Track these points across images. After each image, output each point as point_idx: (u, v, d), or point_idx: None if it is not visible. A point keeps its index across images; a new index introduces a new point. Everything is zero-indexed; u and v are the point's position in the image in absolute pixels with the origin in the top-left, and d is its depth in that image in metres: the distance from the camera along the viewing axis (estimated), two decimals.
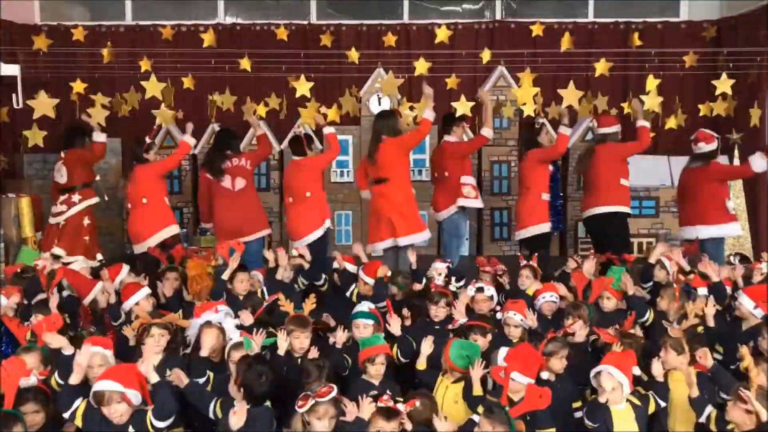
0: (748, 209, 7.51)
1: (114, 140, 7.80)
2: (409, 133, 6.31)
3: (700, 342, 3.94)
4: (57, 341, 3.62)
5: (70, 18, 8.46)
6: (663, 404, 3.66)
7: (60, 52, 7.50)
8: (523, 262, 5.45)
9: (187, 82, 7.01)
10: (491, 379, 3.79)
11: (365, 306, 4.44)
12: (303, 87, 6.63)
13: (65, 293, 5.05)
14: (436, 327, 4.47)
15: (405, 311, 4.59)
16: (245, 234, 6.16)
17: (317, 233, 6.22)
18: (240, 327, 4.17)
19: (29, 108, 6.42)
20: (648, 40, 7.85)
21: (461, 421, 3.63)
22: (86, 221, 6.74)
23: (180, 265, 5.62)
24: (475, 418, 3.38)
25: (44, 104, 6.22)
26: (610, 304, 4.83)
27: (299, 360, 3.97)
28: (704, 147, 6.39)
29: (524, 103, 6.30)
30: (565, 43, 7.15)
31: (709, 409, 3.48)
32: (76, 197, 6.69)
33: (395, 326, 4.22)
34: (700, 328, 4.29)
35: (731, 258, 5.90)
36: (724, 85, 6.49)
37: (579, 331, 4.26)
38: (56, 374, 3.67)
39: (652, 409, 3.61)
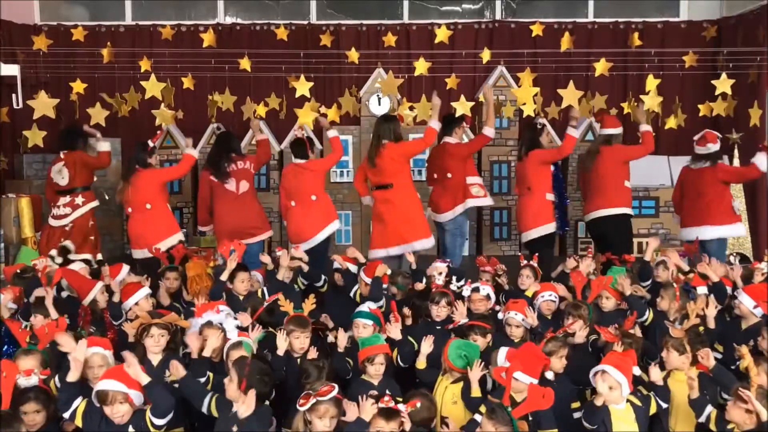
0: (748, 209, 7.51)
1: (114, 140, 7.82)
2: (413, 141, 6.31)
3: (702, 342, 3.94)
4: (69, 346, 3.48)
5: (70, 18, 8.46)
6: (665, 406, 3.66)
7: (60, 52, 7.51)
8: (524, 262, 5.46)
9: (187, 82, 7.02)
10: (491, 380, 3.79)
11: (366, 306, 4.45)
12: (303, 87, 6.63)
13: (65, 293, 5.05)
14: (438, 327, 4.46)
15: (406, 310, 4.60)
16: (247, 237, 6.15)
17: (322, 235, 6.17)
18: (240, 327, 4.17)
19: (29, 108, 6.42)
20: (648, 40, 7.86)
21: (460, 422, 3.63)
22: (90, 222, 6.76)
23: (180, 264, 5.62)
24: (478, 418, 3.38)
25: (44, 104, 6.22)
26: (609, 303, 4.83)
27: (299, 360, 3.97)
28: (713, 147, 6.37)
29: (524, 103, 6.30)
30: (565, 43, 7.16)
31: (709, 409, 3.48)
32: (79, 199, 6.68)
33: (395, 331, 4.21)
34: (700, 328, 4.29)
35: (731, 258, 5.89)
36: (723, 85, 6.49)
37: (579, 331, 4.26)
38: (56, 378, 3.66)
39: (653, 410, 3.61)
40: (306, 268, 5.36)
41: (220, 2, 8.54)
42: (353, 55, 7.08)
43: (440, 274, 5.21)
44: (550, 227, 6.36)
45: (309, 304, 4.31)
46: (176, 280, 5.36)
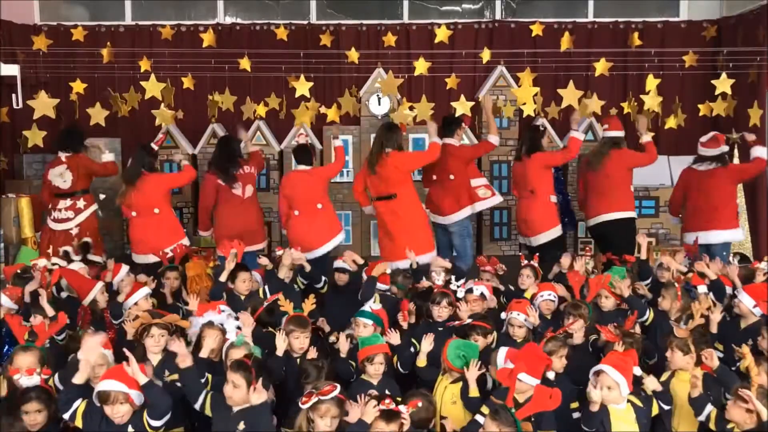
0: (748, 209, 7.51)
1: (114, 140, 7.82)
2: (417, 153, 6.28)
3: (707, 343, 3.95)
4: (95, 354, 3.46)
5: (70, 18, 8.45)
6: (666, 408, 3.66)
7: (60, 52, 7.51)
8: (524, 262, 5.46)
9: (187, 82, 7.02)
10: (490, 379, 3.79)
11: (368, 306, 4.45)
12: (303, 87, 6.63)
13: (64, 293, 5.06)
14: (440, 328, 4.46)
15: (411, 305, 4.63)
16: (248, 242, 6.11)
17: (328, 247, 6.08)
18: (240, 328, 4.17)
19: (29, 108, 6.41)
20: (648, 39, 7.85)
21: (460, 422, 3.63)
22: (95, 224, 6.75)
23: (180, 264, 5.62)
24: (479, 418, 3.38)
25: (44, 104, 6.22)
26: (608, 303, 4.84)
27: (298, 360, 3.97)
28: (724, 148, 6.34)
29: (524, 103, 6.30)
30: (565, 42, 7.16)
31: (709, 408, 3.48)
32: (80, 203, 6.63)
33: (395, 338, 4.20)
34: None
35: (731, 258, 5.89)
36: (723, 84, 6.48)
37: (576, 332, 4.26)
38: (56, 376, 3.66)
39: (655, 410, 3.61)
40: (308, 267, 5.35)
41: (220, 2, 8.53)
42: (353, 55, 7.08)
43: (440, 274, 5.21)
44: (558, 230, 6.34)
45: (309, 304, 4.32)
46: (176, 279, 5.37)
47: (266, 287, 5.07)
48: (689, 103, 7.25)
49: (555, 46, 7.32)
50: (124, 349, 3.48)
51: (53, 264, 5.29)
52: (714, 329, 4.33)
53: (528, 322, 4.38)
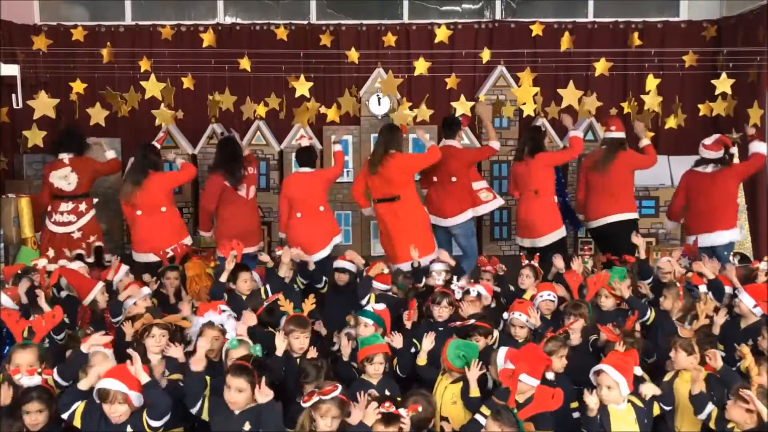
0: (748, 209, 7.51)
1: (114, 140, 7.81)
2: (419, 155, 6.26)
3: (711, 343, 3.95)
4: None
5: (70, 18, 8.45)
6: (667, 408, 3.65)
7: (60, 52, 7.52)
8: (525, 262, 5.45)
9: (187, 82, 7.02)
10: (491, 379, 3.79)
11: (371, 306, 4.44)
12: (302, 87, 6.64)
13: (64, 293, 5.05)
14: (440, 328, 4.46)
15: (413, 302, 4.63)
16: (248, 243, 6.08)
17: (328, 249, 6.06)
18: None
19: (29, 108, 6.41)
20: (648, 39, 7.85)
21: (460, 422, 3.63)
22: (97, 226, 6.75)
23: (180, 264, 5.62)
24: (479, 417, 3.38)
25: (44, 104, 6.22)
26: (608, 302, 4.84)
27: (298, 360, 3.97)
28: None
29: (524, 103, 6.30)
30: (565, 42, 7.17)
31: (710, 408, 3.48)
32: (82, 206, 6.61)
33: (398, 340, 4.19)
34: None
35: (731, 258, 5.89)
36: (723, 84, 6.49)
37: (573, 334, 4.25)
38: (55, 373, 3.66)
39: (656, 410, 3.60)
40: (312, 265, 5.34)
41: (220, 2, 8.53)
42: (353, 55, 7.08)
43: (440, 274, 5.22)
44: (563, 231, 6.32)
45: (309, 305, 4.32)
46: (176, 279, 5.37)
47: (267, 286, 5.07)
48: (689, 103, 7.25)
49: (555, 46, 7.32)
50: (130, 350, 3.48)
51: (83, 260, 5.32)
52: (717, 331, 4.33)
53: (529, 323, 4.38)
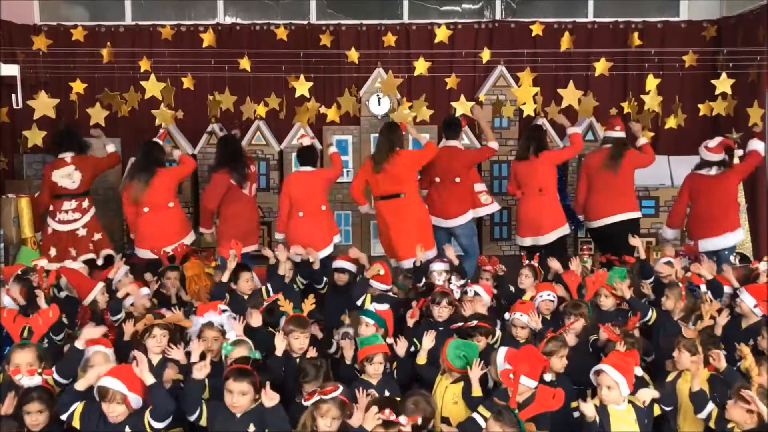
0: (748, 209, 7.50)
1: (114, 140, 7.81)
2: (419, 151, 6.24)
3: (715, 344, 3.94)
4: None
5: (70, 18, 8.44)
6: (668, 409, 3.65)
7: (60, 52, 7.51)
8: (526, 262, 5.45)
9: (187, 82, 7.02)
10: (491, 379, 3.79)
11: (373, 306, 4.44)
12: (302, 87, 6.64)
13: (64, 293, 5.05)
14: (440, 327, 4.46)
15: (422, 301, 4.64)
16: (248, 242, 6.14)
17: (329, 249, 6.04)
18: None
19: (29, 108, 6.40)
20: (648, 39, 7.85)
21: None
22: (98, 224, 6.75)
23: (180, 264, 5.62)
24: (476, 416, 3.38)
25: (44, 104, 6.21)
26: (608, 302, 4.84)
27: (298, 360, 3.97)
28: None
29: (524, 103, 6.29)
30: (565, 42, 7.17)
31: (710, 407, 3.48)
32: (85, 203, 6.60)
33: (401, 349, 4.17)
34: None
35: (731, 258, 5.88)
36: (723, 84, 6.49)
37: (569, 334, 4.24)
38: (54, 368, 3.66)
39: (657, 411, 3.60)
40: (317, 264, 5.34)
41: (220, 2, 8.53)
42: (353, 55, 7.08)
43: (440, 274, 5.22)
44: (567, 228, 6.35)
45: (308, 305, 4.32)
46: (177, 279, 5.37)
47: (268, 285, 5.06)
48: (689, 103, 7.25)
49: (555, 46, 7.32)
50: (135, 352, 3.48)
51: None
52: (719, 331, 4.32)
53: (530, 325, 4.37)
